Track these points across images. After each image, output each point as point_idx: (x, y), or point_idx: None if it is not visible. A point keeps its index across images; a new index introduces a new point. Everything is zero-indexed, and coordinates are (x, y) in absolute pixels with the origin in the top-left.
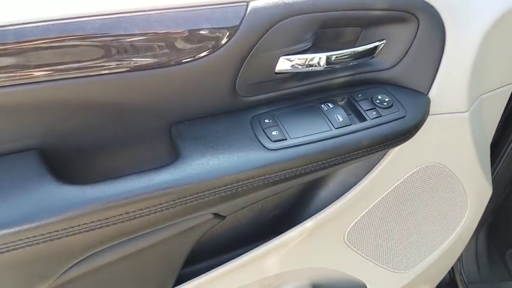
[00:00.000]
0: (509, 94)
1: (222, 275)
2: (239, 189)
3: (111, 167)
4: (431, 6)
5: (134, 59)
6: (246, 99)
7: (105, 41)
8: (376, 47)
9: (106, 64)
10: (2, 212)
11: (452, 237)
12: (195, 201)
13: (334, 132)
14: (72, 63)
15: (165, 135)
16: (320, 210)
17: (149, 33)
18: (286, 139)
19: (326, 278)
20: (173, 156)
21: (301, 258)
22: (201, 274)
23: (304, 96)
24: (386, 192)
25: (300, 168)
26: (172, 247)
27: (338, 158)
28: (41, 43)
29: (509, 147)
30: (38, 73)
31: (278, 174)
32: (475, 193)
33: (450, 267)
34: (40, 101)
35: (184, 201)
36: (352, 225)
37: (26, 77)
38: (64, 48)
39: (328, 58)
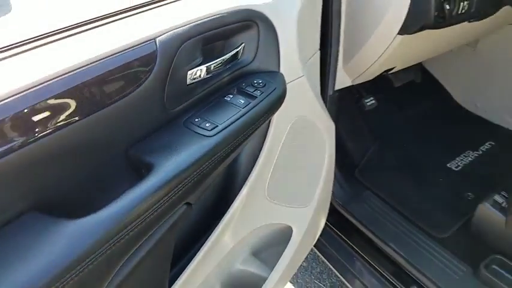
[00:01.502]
0: (319, 58)
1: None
2: (200, 174)
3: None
4: (264, 15)
5: (90, 105)
6: (173, 110)
7: (68, 95)
8: (237, 52)
9: (73, 115)
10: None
11: (325, 166)
12: (174, 196)
13: (243, 110)
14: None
15: (123, 159)
16: (245, 181)
17: (94, 82)
18: (217, 125)
19: (267, 234)
20: (137, 174)
21: (246, 223)
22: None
23: (211, 95)
24: (279, 148)
25: (234, 141)
26: (161, 250)
27: (253, 126)
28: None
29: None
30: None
31: (223, 151)
32: (327, 131)
33: (331, 192)
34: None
35: (167, 199)
36: (267, 183)
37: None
38: (35, 111)
39: (208, 68)
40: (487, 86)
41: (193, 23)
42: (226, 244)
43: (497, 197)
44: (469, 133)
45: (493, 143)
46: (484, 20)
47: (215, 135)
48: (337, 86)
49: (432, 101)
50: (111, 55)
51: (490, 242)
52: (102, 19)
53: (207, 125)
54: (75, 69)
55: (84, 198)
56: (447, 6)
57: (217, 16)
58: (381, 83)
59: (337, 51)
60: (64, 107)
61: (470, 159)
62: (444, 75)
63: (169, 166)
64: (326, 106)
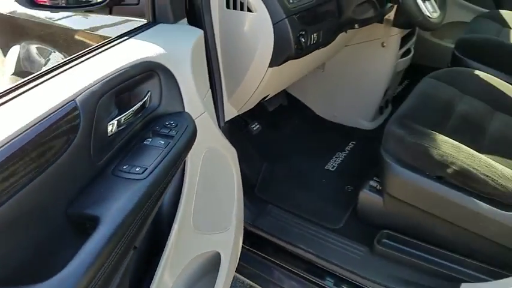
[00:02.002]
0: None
1: None
2: (143, 216)
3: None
4: (162, 64)
5: (23, 176)
6: (100, 163)
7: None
8: (145, 101)
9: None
10: None
11: (235, 189)
12: (126, 242)
13: (166, 149)
14: None
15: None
16: (174, 218)
17: (23, 152)
18: (147, 168)
19: (200, 264)
20: (81, 230)
21: (181, 258)
22: None
23: (130, 142)
24: (197, 180)
25: (165, 180)
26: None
27: (177, 163)
28: None
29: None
30: None
31: (158, 190)
32: (232, 158)
33: (243, 213)
34: None
35: (120, 246)
36: (192, 215)
37: None
38: None
39: (123, 119)
40: (339, 98)
41: (105, 80)
42: (167, 284)
43: (372, 183)
44: (335, 138)
45: (355, 142)
46: (328, 46)
47: (147, 177)
48: (226, 118)
49: (300, 118)
50: (38, 122)
51: (375, 220)
52: (17, 88)
53: (137, 169)
54: (5, 143)
55: (33, 268)
56: (303, 40)
57: (124, 70)
58: (258, 110)
59: (221, 88)
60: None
61: (341, 159)
62: (304, 96)
63: (114, 214)
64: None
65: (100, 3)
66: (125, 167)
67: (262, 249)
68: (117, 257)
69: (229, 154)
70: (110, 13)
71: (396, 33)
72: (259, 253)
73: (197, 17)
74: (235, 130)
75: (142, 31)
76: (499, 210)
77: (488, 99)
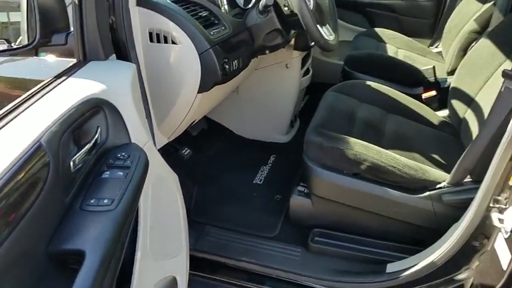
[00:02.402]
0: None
1: None
2: (121, 245)
3: None
4: (105, 99)
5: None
6: (68, 199)
7: None
8: (97, 138)
9: None
10: None
11: (181, 213)
12: (111, 272)
13: (126, 180)
14: None
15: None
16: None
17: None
18: (114, 199)
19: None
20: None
21: (147, 284)
22: None
23: (88, 176)
24: (150, 208)
25: (132, 209)
26: None
27: (138, 192)
28: None
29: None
30: None
31: (128, 220)
32: (175, 183)
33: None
34: None
35: (108, 277)
36: (148, 243)
37: None
38: None
39: (78, 158)
40: (254, 117)
41: (62, 119)
42: None
43: (300, 188)
44: (257, 154)
45: (275, 155)
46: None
47: (117, 207)
48: (158, 146)
49: (222, 139)
50: (9, 169)
51: (307, 222)
52: None
53: (105, 201)
54: None
55: None
56: (227, 66)
57: (75, 109)
58: (184, 136)
59: (151, 117)
60: None
61: (266, 172)
62: (222, 118)
63: (96, 245)
64: None
65: (27, 46)
66: (92, 201)
67: (207, 270)
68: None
69: (172, 179)
70: (36, 55)
71: (297, 56)
72: (204, 274)
73: (123, 52)
74: (166, 157)
75: (78, 70)
76: (407, 195)
77: (381, 105)
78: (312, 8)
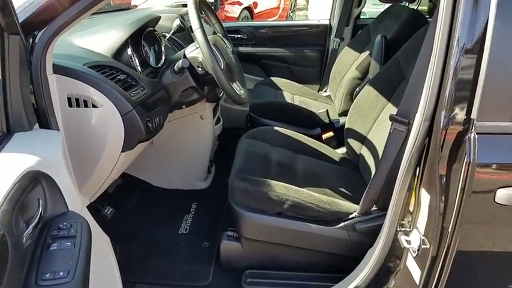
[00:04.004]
0: None
1: None
2: None
3: None
4: (43, 172)
5: None
6: (22, 275)
7: None
8: (41, 212)
9: None
10: None
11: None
12: None
13: (75, 249)
14: None
15: None
16: None
17: None
18: (69, 270)
19: None
20: None
21: None
22: None
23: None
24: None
25: (86, 278)
26: None
27: (89, 257)
28: None
29: None
30: None
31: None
32: (108, 245)
33: None
34: None
35: None
36: None
37: None
38: None
39: (27, 234)
40: (171, 166)
41: (9, 196)
42: None
43: (229, 233)
44: (178, 203)
45: (197, 202)
46: None
47: (74, 277)
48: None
49: (140, 193)
50: None
51: (239, 264)
52: None
53: (61, 273)
54: None
55: None
56: (150, 124)
57: (18, 184)
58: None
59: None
60: None
61: (190, 220)
62: (138, 171)
63: None
64: None
65: None
66: (47, 275)
67: None
68: None
69: (105, 242)
70: None
71: (209, 106)
72: None
73: (44, 120)
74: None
75: (5, 143)
76: (325, 227)
77: (290, 147)
78: (223, 67)
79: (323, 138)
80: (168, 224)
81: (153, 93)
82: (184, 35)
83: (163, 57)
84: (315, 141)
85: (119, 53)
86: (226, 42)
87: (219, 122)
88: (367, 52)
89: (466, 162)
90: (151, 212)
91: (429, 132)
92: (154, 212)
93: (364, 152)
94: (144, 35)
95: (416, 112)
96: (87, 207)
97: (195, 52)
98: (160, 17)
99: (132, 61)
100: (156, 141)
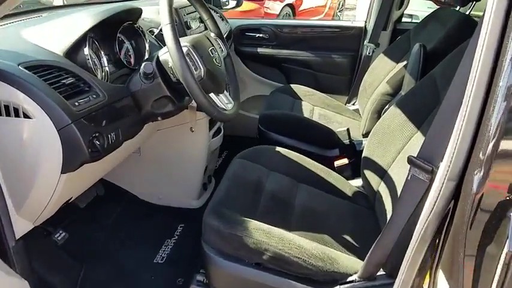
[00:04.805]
0: None
1: None
2: None
3: None
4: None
5: None
6: None
7: None
8: None
9: None
10: None
11: None
12: None
13: None
14: None
15: None
16: None
17: None
18: None
19: None
20: None
21: None
22: None
23: None
24: None
25: None
26: None
27: None
28: None
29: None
30: None
31: None
32: None
33: None
34: None
35: None
36: None
37: None
38: None
39: None
40: (160, 179)
41: None
42: None
43: (199, 277)
44: (163, 223)
45: (183, 225)
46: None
47: None
48: (20, 233)
49: (122, 205)
50: None
51: None
52: None
53: None
54: None
55: None
56: (98, 142)
57: None
58: (66, 211)
59: (5, 202)
60: None
61: (170, 247)
62: (124, 181)
63: None
64: (13, 259)
65: None
66: None
67: None
68: None
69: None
70: None
71: (203, 117)
72: None
73: None
74: (36, 243)
75: None
76: None
77: (291, 173)
78: (202, 75)
79: (335, 166)
80: (145, 249)
81: (113, 102)
82: (178, 31)
83: (146, 57)
84: (325, 168)
85: (73, 50)
86: (218, 44)
87: (219, 133)
88: (404, 63)
89: (507, 252)
90: (131, 230)
91: (456, 193)
92: (134, 231)
93: (382, 190)
94: (122, 30)
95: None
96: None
97: (168, 54)
98: (140, 9)
99: (89, 61)
100: (143, 150)
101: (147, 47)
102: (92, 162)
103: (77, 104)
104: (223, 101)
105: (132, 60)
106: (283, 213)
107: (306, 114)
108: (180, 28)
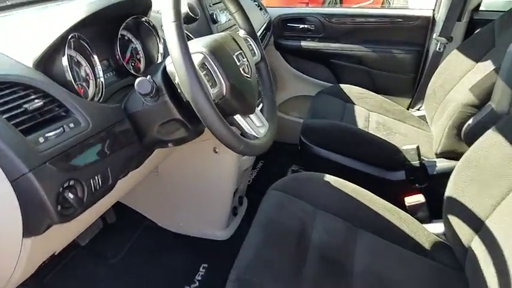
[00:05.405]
0: None
1: None
2: None
3: None
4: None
5: None
6: None
7: None
8: None
9: None
10: None
11: None
12: None
13: None
14: None
15: None
16: None
17: None
18: None
19: None
20: None
21: None
22: None
23: None
24: None
25: None
26: None
27: None
28: None
29: None
30: None
31: None
32: None
33: None
34: None
35: None
36: None
37: None
38: None
39: None
40: (181, 204)
41: None
42: None
43: None
44: (181, 261)
45: (206, 265)
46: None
47: None
48: None
49: (139, 233)
50: None
51: None
52: None
53: None
54: None
55: None
56: (71, 196)
57: None
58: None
59: None
60: None
61: None
62: (140, 204)
63: None
64: None
65: None
66: None
67: None
68: None
69: None
70: None
71: None
72: None
73: None
74: None
75: None
76: None
77: (346, 214)
78: (224, 93)
79: (406, 205)
80: None
81: (101, 130)
82: (199, 27)
83: (159, 60)
84: (392, 207)
85: (48, 59)
86: (250, 45)
87: None
88: (490, 65)
89: None
90: (143, 269)
91: None
92: (146, 271)
93: (477, 247)
94: (126, 26)
95: None
96: None
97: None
98: (149, 0)
99: (68, 73)
100: (161, 169)
101: (161, 49)
102: (67, 222)
103: (42, 140)
104: (254, 124)
105: (142, 65)
106: (336, 284)
107: (361, 122)
108: (204, 23)
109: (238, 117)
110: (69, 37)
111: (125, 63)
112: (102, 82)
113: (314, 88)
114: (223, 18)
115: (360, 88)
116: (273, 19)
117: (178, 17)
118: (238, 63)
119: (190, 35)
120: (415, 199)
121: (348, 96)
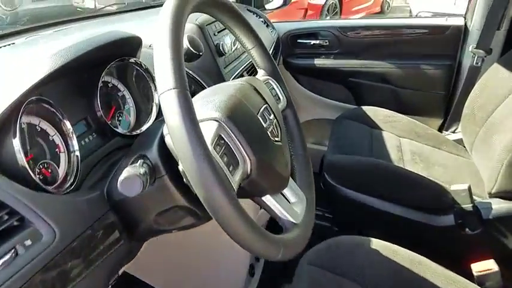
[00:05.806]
0: None
1: None
2: None
3: None
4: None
5: None
6: None
7: None
8: None
9: None
10: None
11: None
12: None
13: None
14: None
15: None
16: None
17: None
18: None
19: None
20: None
21: None
22: None
23: None
24: None
25: None
26: None
27: None
28: None
29: None
30: None
31: None
32: None
33: None
34: None
35: None
36: None
37: None
38: None
39: None
40: (189, 267)
41: None
42: None
43: None
44: None
45: None
46: None
47: None
48: None
49: None
50: None
51: None
52: None
53: None
54: None
55: None
56: None
57: None
58: None
59: None
60: None
61: None
62: (144, 271)
63: None
64: None
65: None
66: None
67: None
68: None
69: None
70: None
71: None
72: None
73: None
74: None
75: None
76: None
77: None
78: (248, 171)
79: (474, 274)
80: None
81: (73, 240)
82: (203, 64)
83: (153, 117)
84: (456, 277)
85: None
86: (273, 91)
87: None
88: None
89: None
90: None
91: None
92: None
93: None
94: (108, 71)
95: None
96: None
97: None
98: (138, 38)
99: (22, 161)
100: (168, 235)
101: (155, 97)
102: None
103: None
104: (287, 203)
105: (131, 119)
106: None
107: (393, 153)
108: (208, 57)
109: (267, 198)
110: (26, 102)
111: (108, 122)
112: (77, 156)
113: (331, 111)
114: (227, 43)
115: (386, 110)
116: (281, 35)
117: (181, 81)
118: (264, 125)
119: (194, 74)
120: (486, 267)
121: (373, 120)
